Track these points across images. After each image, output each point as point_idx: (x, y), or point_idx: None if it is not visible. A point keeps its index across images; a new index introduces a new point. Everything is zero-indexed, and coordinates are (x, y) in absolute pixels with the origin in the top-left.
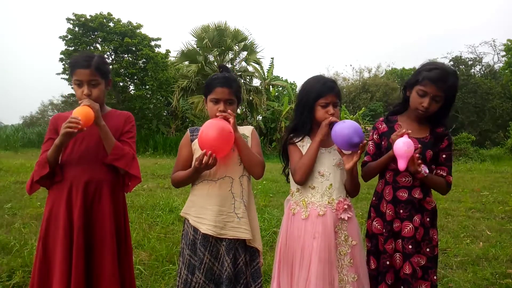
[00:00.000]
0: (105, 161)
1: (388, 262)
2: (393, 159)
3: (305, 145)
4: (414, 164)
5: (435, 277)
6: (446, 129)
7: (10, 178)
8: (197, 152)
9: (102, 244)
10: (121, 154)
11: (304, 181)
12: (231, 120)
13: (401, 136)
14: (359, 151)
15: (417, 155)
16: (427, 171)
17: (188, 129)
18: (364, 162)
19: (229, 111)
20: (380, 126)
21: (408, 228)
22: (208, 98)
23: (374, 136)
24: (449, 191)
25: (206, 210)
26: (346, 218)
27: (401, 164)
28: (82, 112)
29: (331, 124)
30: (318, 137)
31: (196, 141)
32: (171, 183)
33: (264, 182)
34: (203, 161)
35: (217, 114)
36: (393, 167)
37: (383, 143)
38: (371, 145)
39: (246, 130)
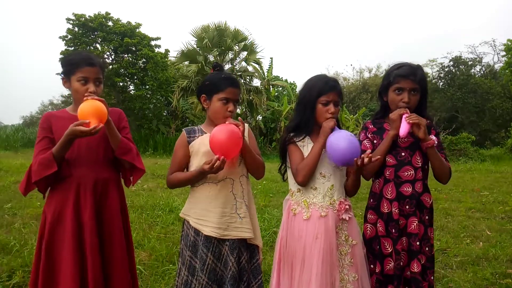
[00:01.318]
0: (115, 155)
1: (402, 263)
2: (395, 136)
3: (305, 145)
4: (422, 130)
5: (432, 278)
6: (430, 121)
7: (10, 178)
8: (195, 154)
9: (111, 242)
10: (128, 148)
11: (306, 182)
12: (241, 128)
13: (401, 114)
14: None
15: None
16: (436, 140)
17: (183, 130)
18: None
19: (239, 118)
20: (370, 126)
21: (415, 224)
22: (216, 97)
23: (368, 135)
24: (450, 178)
25: (209, 212)
26: (347, 219)
27: (402, 129)
28: (98, 109)
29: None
30: (321, 138)
31: (193, 143)
32: (167, 184)
33: (264, 182)
34: (215, 166)
35: (229, 121)
36: (392, 163)
37: (375, 141)
38: (366, 143)
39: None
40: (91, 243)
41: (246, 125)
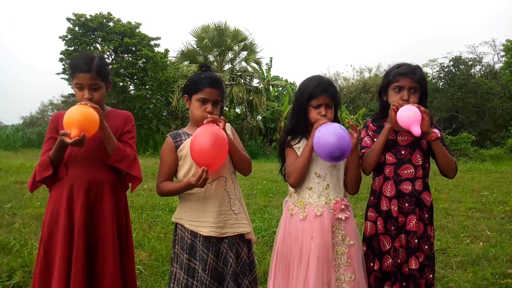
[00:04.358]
0: (107, 163)
1: (399, 260)
2: (391, 130)
3: (301, 147)
4: (425, 124)
5: (431, 276)
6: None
7: (10, 178)
8: (185, 158)
9: (104, 244)
10: (123, 156)
11: (298, 184)
12: (221, 124)
13: (396, 107)
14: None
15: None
16: (439, 133)
17: (168, 135)
18: (362, 154)
19: (222, 117)
20: (370, 125)
21: (413, 222)
22: (194, 98)
23: (369, 133)
24: (456, 172)
25: (205, 213)
26: (343, 218)
27: (416, 130)
28: (85, 118)
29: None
30: (310, 141)
31: (182, 147)
32: (157, 192)
33: (264, 182)
34: (202, 177)
35: (207, 117)
36: (392, 161)
37: (375, 139)
38: (367, 139)
39: (226, 129)
40: (77, 243)
41: (228, 123)
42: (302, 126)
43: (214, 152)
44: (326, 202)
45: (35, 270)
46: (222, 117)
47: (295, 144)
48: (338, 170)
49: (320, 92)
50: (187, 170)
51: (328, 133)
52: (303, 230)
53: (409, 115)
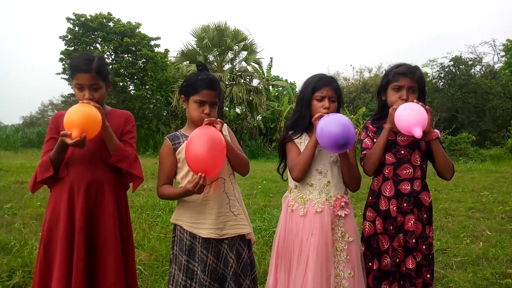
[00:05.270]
0: (108, 162)
1: (398, 260)
2: (391, 130)
3: (303, 142)
4: (428, 123)
5: (428, 276)
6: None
7: (10, 178)
8: (183, 161)
9: (105, 244)
10: (124, 156)
11: (301, 177)
12: (218, 126)
13: (395, 108)
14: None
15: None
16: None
17: (166, 138)
18: (363, 155)
19: (219, 119)
20: (370, 126)
21: (411, 222)
22: (192, 99)
23: (369, 134)
24: (453, 174)
25: (204, 214)
26: (343, 215)
27: (417, 132)
28: (86, 118)
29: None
30: (315, 134)
31: (180, 149)
32: (158, 195)
33: (264, 182)
34: (199, 184)
35: (205, 120)
36: (391, 161)
37: (375, 140)
38: (368, 141)
39: (223, 129)
40: (78, 243)
41: (225, 124)
42: (304, 120)
43: (210, 159)
44: (326, 199)
45: (35, 270)
46: (219, 119)
47: (296, 138)
48: (339, 166)
49: (323, 84)
50: (185, 172)
51: (331, 123)
52: (303, 226)
53: (410, 114)
